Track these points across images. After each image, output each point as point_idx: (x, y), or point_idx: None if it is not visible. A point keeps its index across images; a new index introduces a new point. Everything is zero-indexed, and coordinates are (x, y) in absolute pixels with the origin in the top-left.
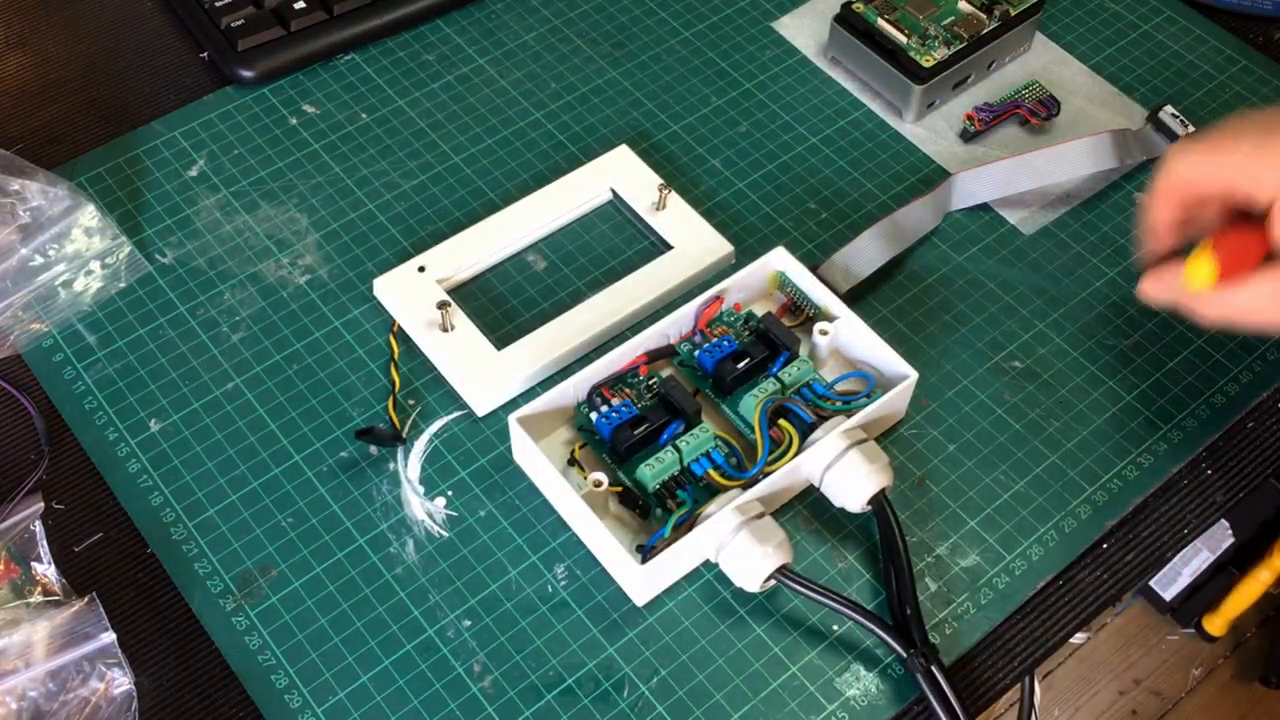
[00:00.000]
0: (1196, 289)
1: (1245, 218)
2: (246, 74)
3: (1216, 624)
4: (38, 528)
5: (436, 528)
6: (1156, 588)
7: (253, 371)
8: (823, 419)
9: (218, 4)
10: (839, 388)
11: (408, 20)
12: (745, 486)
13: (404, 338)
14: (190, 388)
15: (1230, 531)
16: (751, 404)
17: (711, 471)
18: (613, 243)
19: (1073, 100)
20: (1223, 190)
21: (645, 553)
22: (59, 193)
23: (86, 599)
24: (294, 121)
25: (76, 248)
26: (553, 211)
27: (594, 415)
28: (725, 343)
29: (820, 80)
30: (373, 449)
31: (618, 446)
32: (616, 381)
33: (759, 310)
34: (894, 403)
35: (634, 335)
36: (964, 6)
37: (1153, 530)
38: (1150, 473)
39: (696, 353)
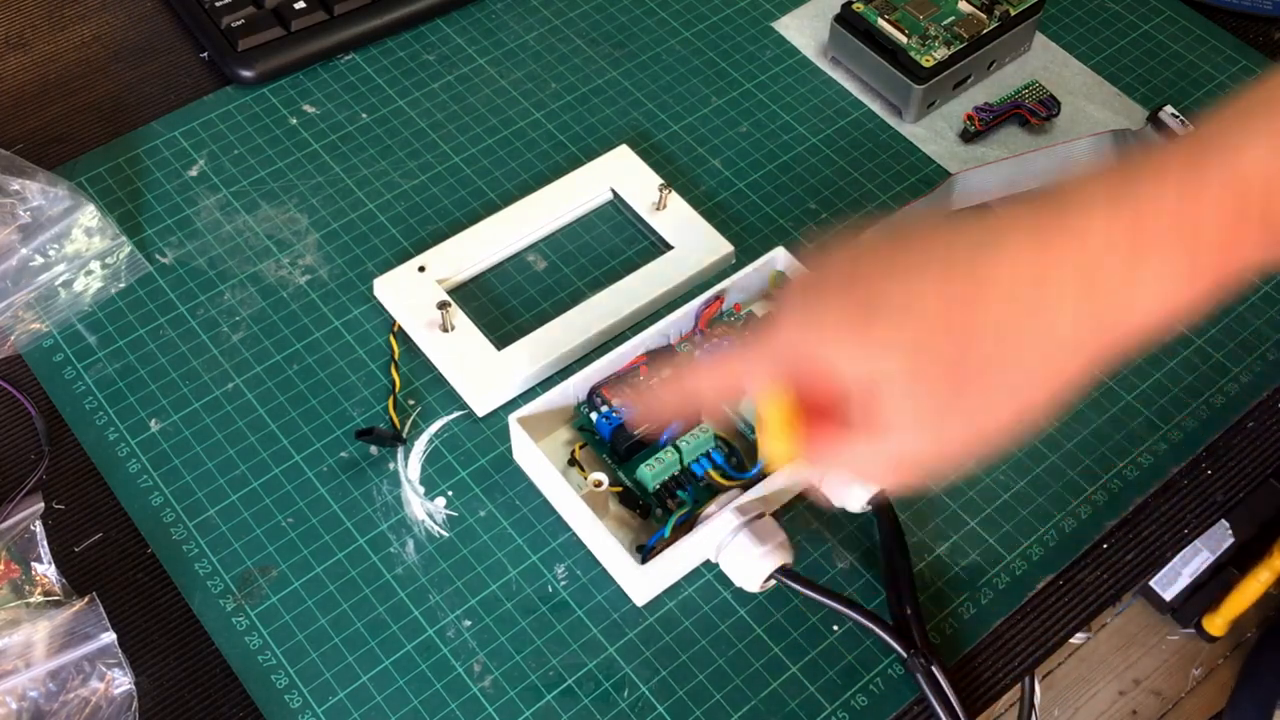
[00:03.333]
0: (778, 466)
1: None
2: (246, 74)
3: (1216, 624)
4: (38, 528)
5: (436, 528)
6: (1156, 588)
7: (253, 371)
8: None
9: (218, 4)
10: None
11: (408, 20)
12: (745, 487)
13: (404, 338)
14: (190, 388)
15: (1230, 531)
16: (752, 404)
17: (711, 471)
18: (613, 243)
19: (1073, 100)
20: (815, 376)
21: (645, 553)
22: (59, 193)
23: (86, 599)
24: (294, 121)
25: (77, 248)
26: (553, 211)
27: (594, 415)
28: (725, 343)
29: (820, 80)
30: (373, 449)
31: (618, 446)
32: (616, 381)
33: (759, 310)
34: None
35: (634, 335)
36: (964, 6)
37: (1153, 530)
38: (1150, 473)
39: (697, 353)
